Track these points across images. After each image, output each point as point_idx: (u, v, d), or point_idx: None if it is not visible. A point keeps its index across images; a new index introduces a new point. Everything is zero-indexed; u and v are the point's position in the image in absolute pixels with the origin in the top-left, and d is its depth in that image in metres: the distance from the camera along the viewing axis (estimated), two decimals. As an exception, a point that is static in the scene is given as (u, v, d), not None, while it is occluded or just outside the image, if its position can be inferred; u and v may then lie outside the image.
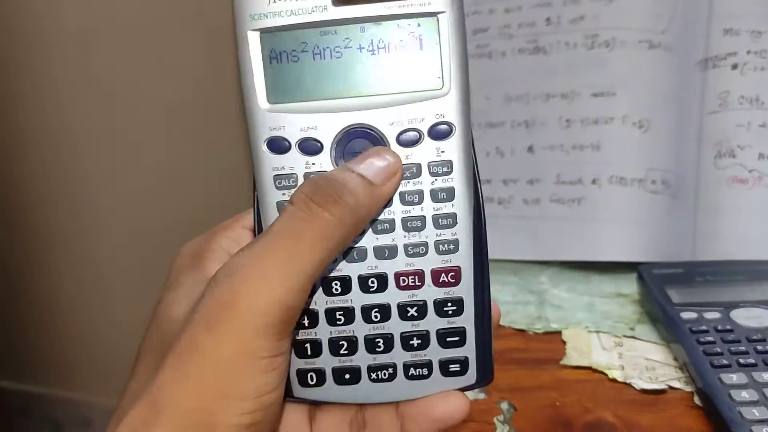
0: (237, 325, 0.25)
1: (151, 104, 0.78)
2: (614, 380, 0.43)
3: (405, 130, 0.30)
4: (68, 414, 1.12)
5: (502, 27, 0.64)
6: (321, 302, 0.30)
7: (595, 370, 0.44)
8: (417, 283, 0.30)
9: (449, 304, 0.30)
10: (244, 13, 0.31)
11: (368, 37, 0.30)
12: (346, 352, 0.30)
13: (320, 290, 0.30)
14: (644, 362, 0.45)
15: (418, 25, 0.30)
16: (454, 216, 0.30)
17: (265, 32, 0.31)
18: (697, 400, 0.41)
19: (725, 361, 0.41)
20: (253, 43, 0.31)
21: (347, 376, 0.30)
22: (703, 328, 0.44)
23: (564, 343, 0.48)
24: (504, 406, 0.42)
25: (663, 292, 0.49)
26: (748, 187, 0.55)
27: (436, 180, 0.30)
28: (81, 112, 0.80)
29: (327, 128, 0.30)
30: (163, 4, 0.73)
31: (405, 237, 0.30)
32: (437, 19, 0.30)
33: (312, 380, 0.30)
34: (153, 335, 0.30)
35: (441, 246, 0.30)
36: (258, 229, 0.31)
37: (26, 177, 0.91)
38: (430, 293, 0.30)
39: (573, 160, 0.61)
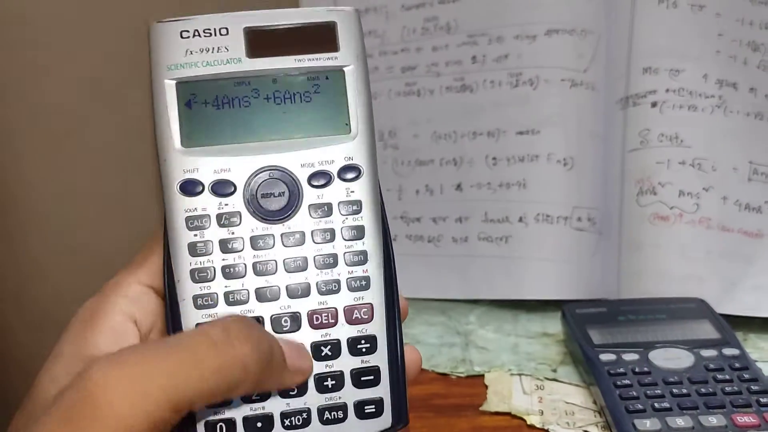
0: (97, 427, 0.23)
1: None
2: (532, 426, 0.43)
3: (316, 172, 0.31)
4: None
5: (429, 65, 0.64)
6: None
7: (514, 416, 0.44)
8: (330, 321, 0.30)
9: (363, 342, 0.30)
10: (162, 63, 0.31)
11: (280, 87, 0.32)
12: (257, 398, 0.29)
13: None
14: (564, 406, 0.45)
15: (327, 78, 0.32)
16: (364, 253, 0.31)
17: (181, 82, 0.31)
18: (613, 445, 0.41)
19: (640, 406, 0.40)
20: (170, 91, 0.31)
21: (259, 424, 0.29)
22: (621, 370, 0.44)
23: (486, 387, 0.47)
24: (419, 456, 0.41)
25: (584, 332, 0.48)
26: (669, 224, 0.55)
27: (346, 219, 0.31)
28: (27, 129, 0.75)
29: (240, 170, 0.31)
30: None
31: (317, 275, 0.30)
32: (343, 72, 0.32)
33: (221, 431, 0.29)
34: (24, 409, 0.28)
35: (353, 283, 0.31)
36: (167, 271, 0.31)
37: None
38: (343, 332, 0.30)
39: (500, 198, 0.60)
